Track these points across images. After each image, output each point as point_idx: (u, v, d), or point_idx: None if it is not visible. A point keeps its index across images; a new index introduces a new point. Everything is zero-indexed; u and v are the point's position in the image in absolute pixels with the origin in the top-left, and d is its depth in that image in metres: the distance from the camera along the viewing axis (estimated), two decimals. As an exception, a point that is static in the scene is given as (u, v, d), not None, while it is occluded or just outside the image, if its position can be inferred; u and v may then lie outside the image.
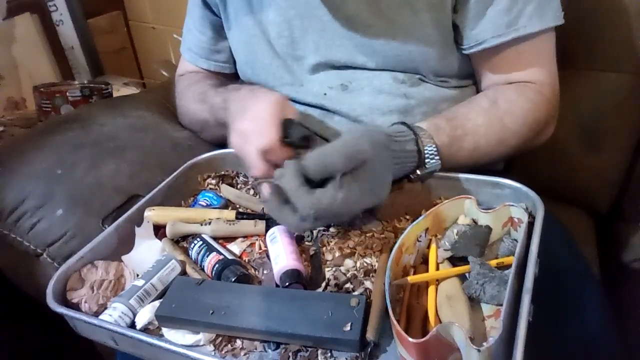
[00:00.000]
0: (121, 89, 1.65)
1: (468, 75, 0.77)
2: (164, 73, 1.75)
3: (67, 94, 1.42)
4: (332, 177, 0.52)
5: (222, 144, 0.79)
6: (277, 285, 0.57)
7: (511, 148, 0.70)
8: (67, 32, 1.73)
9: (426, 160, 0.62)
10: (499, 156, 0.71)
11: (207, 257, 0.62)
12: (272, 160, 0.60)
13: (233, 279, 0.58)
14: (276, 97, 0.63)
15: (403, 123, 0.65)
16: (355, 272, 0.58)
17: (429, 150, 0.62)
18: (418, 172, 0.63)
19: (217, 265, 0.60)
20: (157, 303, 0.56)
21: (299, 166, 0.52)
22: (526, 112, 0.69)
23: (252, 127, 0.61)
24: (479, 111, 0.69)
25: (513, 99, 0.70)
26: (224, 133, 0.67)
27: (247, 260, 0.63)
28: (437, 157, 0.63)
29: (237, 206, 0.73)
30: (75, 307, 0.58)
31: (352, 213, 0.57)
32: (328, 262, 0.60)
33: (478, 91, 0.78)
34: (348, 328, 0.49)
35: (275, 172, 0.55)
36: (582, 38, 0.89)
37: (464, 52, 0.72)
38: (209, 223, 0.67)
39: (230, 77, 0.92)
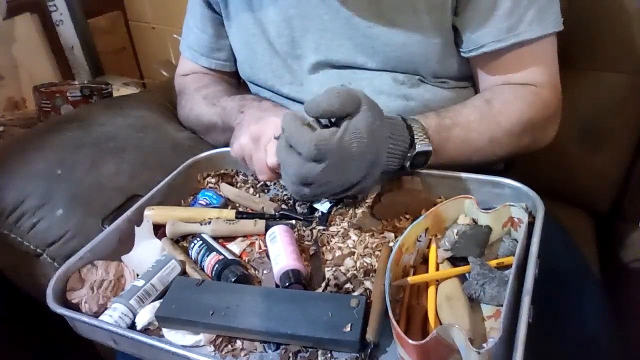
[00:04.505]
0: (121, 89, 1.65)
1: (467, 76, 0.77)
2: (164, 73, 1.75)
3: (67, 94, 1.42)
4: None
5: (224, 147, 0.80)
6: (277, 286, 0.57)
7: (505, 147, 0.70)
8: (67, 32, 1.73)
9: (416, 140, 0.62)
10: (493, 155, 0.70)
11: (207, 257, 0.61)
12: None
13: (233, 279, 0.58)
14: (294, 112, 0.64)
15: None
16: (355, 272, 0.58)
17: (417, 129, 0.62)
18: (409, 154, 0.62)
19: (217, 265, 0.60)
20: (157, 303, 0.56)
21: (295, 113, 0.56)
22: (520, 113, 0.69)
23: (266, 132, 0.62)
24: (472, 108, 0.69)
25: (509, 100, 0.70)
26: (228, 138, 0.68)
27: (247, 260, 0.63)
28: (426, 139, 0.62)
29: (237, 205, 0.73)
30: (75, 307, 0.58)
31: (354, 160, 0.54)
32: (328, 262, 0.60)
33: (477, 92, 0.78)
34: (348, 329, 0.49)
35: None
36: (582, 38, 0.89)
37: (463, 55, 0.73)
38: (209, 222, 0.67)
39: (231, 75, 0.92)
